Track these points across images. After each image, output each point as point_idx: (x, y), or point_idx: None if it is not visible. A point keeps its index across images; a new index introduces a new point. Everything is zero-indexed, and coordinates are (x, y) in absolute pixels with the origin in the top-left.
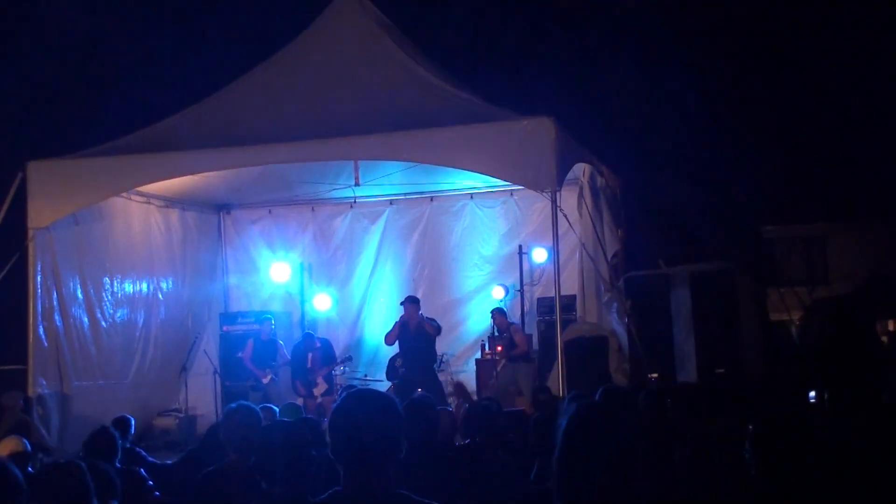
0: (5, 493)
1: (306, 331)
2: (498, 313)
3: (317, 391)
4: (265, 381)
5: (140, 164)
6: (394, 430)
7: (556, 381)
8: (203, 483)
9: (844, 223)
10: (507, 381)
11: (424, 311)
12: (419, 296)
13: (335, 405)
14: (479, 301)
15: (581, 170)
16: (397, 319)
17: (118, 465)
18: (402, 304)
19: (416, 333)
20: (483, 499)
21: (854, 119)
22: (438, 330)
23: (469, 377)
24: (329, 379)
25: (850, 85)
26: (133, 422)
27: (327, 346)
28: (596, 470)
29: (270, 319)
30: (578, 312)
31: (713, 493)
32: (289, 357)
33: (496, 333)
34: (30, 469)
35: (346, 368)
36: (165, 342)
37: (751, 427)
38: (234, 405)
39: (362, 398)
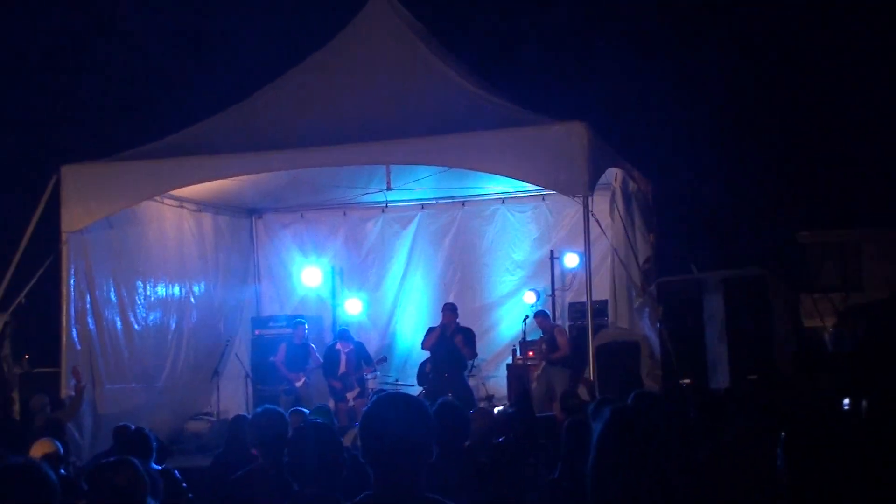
0: (39, 495)
1: (341, 327)
2: (541, 316)
3: (350, 395)
4: (298, 384)
5: (173, 168)
6: (424, 434)
7: (588, 386)
8: (232, 489)
9: (880, 229)
10: (544, 385)
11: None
12: (450, 299)
13: (366, 408)
14: (510, 306)
15: (613, 174)
16: (434, 325)
17: (154, 465)
18: (442, 310)
19: (449, 340)
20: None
21: (893, 125)
22: (473, 354)
23: (499, 383)
24: (362, 382)
25: (890, 91)
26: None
27: (361, 348)
28: (630, 475)
29: (304, 323)
30: (610, 317)
31: (743, 501)
32: (321, 360)
33: (525, 339)
34: (62, 471)
35: (378, 372)
36: (197, 346)
37: (783, 434)
38: (259, 409)
39: (393, 401)
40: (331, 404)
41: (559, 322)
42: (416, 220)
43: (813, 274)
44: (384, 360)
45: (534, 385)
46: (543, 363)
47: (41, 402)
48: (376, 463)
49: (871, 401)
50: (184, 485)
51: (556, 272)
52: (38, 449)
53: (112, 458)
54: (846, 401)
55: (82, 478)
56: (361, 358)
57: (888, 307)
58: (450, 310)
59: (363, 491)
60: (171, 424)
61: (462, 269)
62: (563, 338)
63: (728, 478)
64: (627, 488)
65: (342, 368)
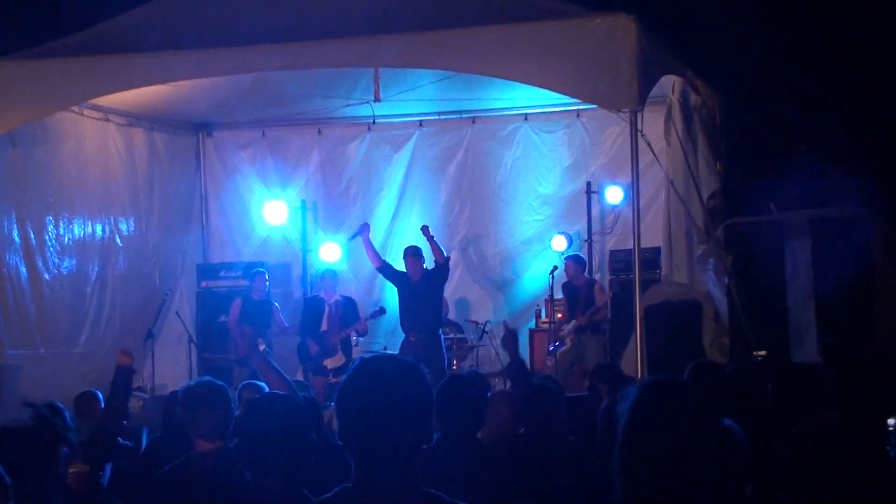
0: None
1: (327, 268)
2: (574, 262)
3: (330, 363)
4: None
5: (95, 69)
6: (420, 410)
7: (633, 359)
8: (165, 482)
9: None
10: (569, 359)
11: (464, 267)
12: (456, 246)
13: (345, 377)
14: (533, 254)
15: (670, 84)
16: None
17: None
18: (403, 257)
19: (417, 290)
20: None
21: None
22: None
23: (520, 352)
24: (346, 348)
25: None
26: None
27: (350, 304)
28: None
29: (264, 274)
30: (664, 270)
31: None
32: (286, 324)
33: (553, 296)
34: None
35: (359, 338)
36: (126, 301)
37: (893, 422)
38: (192, 382)
39: (380, 367)
40: (299, 376)
41: (597, 275)
42: (413, 141)
43: None
44: (382, 311)
45: (558, 355)
46: (570, 326)
47: None
48: (357, 447)
49: None
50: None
51: (595, 211)
52: None
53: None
54: None
55: None
56: (349, 314)
57: None
58: (411, 254)
59: (340, 482)
60: None
61: (472, 206)
62: (602, 295)
63: (817, 477)
64: (668, 491)
65: (323, 326)
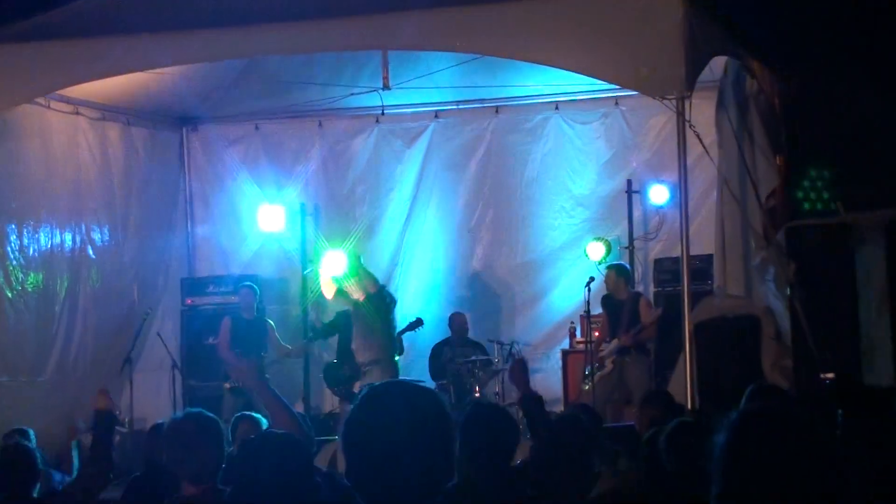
0: None
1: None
2: (616, 272)
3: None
4: None
5: (63, 55)
6: (439, 444)
7: (681, 384)
8: None
9: None
10: (610, 384)
11: (487, 279)
12: (478, 254)
13: (352, 407)
14: (567, 263)
15: (722, 67)
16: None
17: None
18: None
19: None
20: None
21: None
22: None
23: (550, 378)
24: None
25: None
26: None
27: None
28: None
29: (251, 288)
30: (716, 280)
31: None
32: (287, 346)
33: (590, 311)
34: None
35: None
36: (100, 321)
37: None
38: (178, 415)
39: (391, 395)
40: (298, 407)
41: (639, 287)
42: (427, 134)
43: None
44: (419, 323)
45: (596, 378)
46: (612, 346)
47: None
48: (368, 488)
49: None
50: None
51: (636, 213)
52: None
53: None
54: None
55: None
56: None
57: None
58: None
59: None
60: (63, 437)
61: (495, 208)
62: (650, 311)
63: None
64: None
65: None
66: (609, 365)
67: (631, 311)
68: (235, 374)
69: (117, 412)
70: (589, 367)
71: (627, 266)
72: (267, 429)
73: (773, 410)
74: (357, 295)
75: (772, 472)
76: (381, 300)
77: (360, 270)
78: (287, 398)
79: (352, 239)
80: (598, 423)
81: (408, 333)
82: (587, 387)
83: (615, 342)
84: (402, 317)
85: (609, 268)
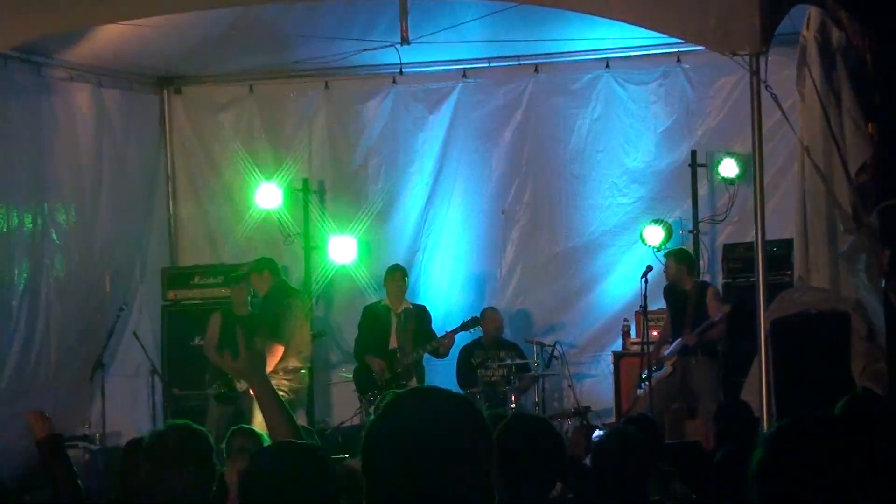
0: None
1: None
2: (677, 259)
3: None
4: (242, 388)
5: (21, 4)
6: (476, 461)
7: (757, 391)
8: None
9: None
10: (670, 390)
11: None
12: (513, 239)
13: (372, 418)
14: (619, 250)
15: (804, 19)
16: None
17: None
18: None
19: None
20: None
21: None
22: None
23: (600, 385)
24: (422, 373)
25: None
26: None
27: (422, 313)
28: None
29: (249, 281)
30: (797, 270)
31: None
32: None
33: (646, 306)
34: None
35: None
36: (66, 318)
37: None
38: (160, 428)
39: (420, 404)
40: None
41: (706, 278)
42: (454, 97)
43: None
44: (475, 322)
45: (654, 382)
46: (674, 345)
47: None
48: None
49: None
50: None
51: (702, 191)
52: None
53: None
54: None
55: None
56: (426, 325)
57: None
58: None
59: None
60: (23, 456)
61: (534, 186)
62: (719, 304)
63: None
64: None
65: (392, 342)
66: (669, 367)
67: (697, 303)
68: (232, 371)
69: (63, 440)
70: (646, 370)
71: (691, 252)
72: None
73: (815, 423)
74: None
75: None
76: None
77: None
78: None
79: (363, 222)
80: (658, 440)
81: (461, 333)
82: (641, 391)
83: (679, 341)
84: (434, 313)
85: (668, 255)
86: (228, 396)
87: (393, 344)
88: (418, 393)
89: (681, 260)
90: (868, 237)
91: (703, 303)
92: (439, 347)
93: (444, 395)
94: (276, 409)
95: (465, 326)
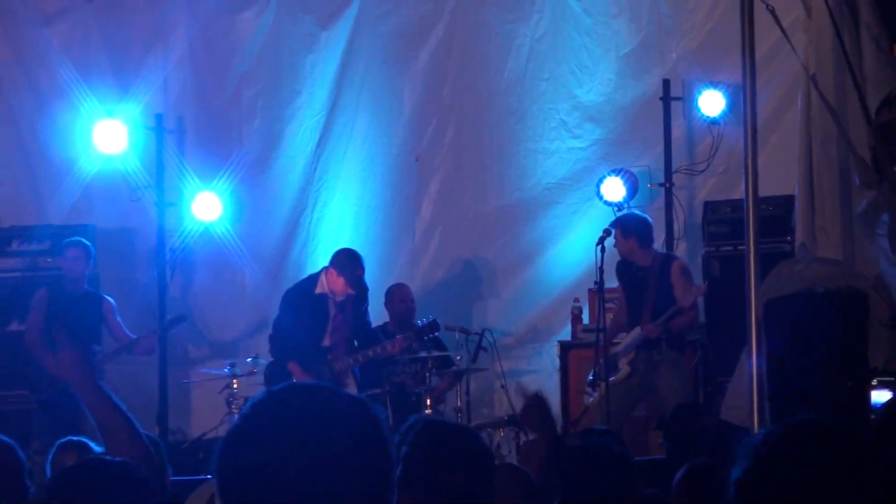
0: None
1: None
2: (622, 230)
3: None
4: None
5: None
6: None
7: (746, 394)
8: None
9: None
10: (629, 395)
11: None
12: (430, 194)
13: (231, 425)
14: (569, 210)
15: None
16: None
17: None
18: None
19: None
20: None
21: None
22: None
23: (543, 379)
24: (378, 375)
25: None
26: None
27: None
28: None
29: (81, 245)
30: (800, 236)
31: None
32: (131, 335)
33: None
34: None
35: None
36: None
37: None
38: None
39: (295, 405)
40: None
41: (680, 248)
42: (354, 7)
43: None
44: (432, 325)
45: (591, 400)
46: (631, 336)
47: None
48: None
49: None
50: None
51: (677, 133)
52: None
53: None
54: None
55: None
56: (363, 320)
57: None
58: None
59: None
60: None
61: (458, 124)
62: (687, 284)
63: None
64: None
65: (327, 339)
66: (625, 367)
67: (658, 283)
68: (52, 367)
69: None
70: (597, 368)
71: (642, 216)
72: (97, 455)
73: (817, 427)
74: None
75: None
76: None
77: None
78: (133, 414)
79: (233, 171)
80: (627, 460)
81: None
82: (589, 398)
83: (637, 331)
84: None
85: (613, 225)
86: (57, 402)
87: (327, 341)
88: (290, 391)
89: (627, 232)
90: (892, 193)
91: (666, 281)
92: (390, 348)
93: (327, 395)
94: (110, 414)
95: (425, 329)
